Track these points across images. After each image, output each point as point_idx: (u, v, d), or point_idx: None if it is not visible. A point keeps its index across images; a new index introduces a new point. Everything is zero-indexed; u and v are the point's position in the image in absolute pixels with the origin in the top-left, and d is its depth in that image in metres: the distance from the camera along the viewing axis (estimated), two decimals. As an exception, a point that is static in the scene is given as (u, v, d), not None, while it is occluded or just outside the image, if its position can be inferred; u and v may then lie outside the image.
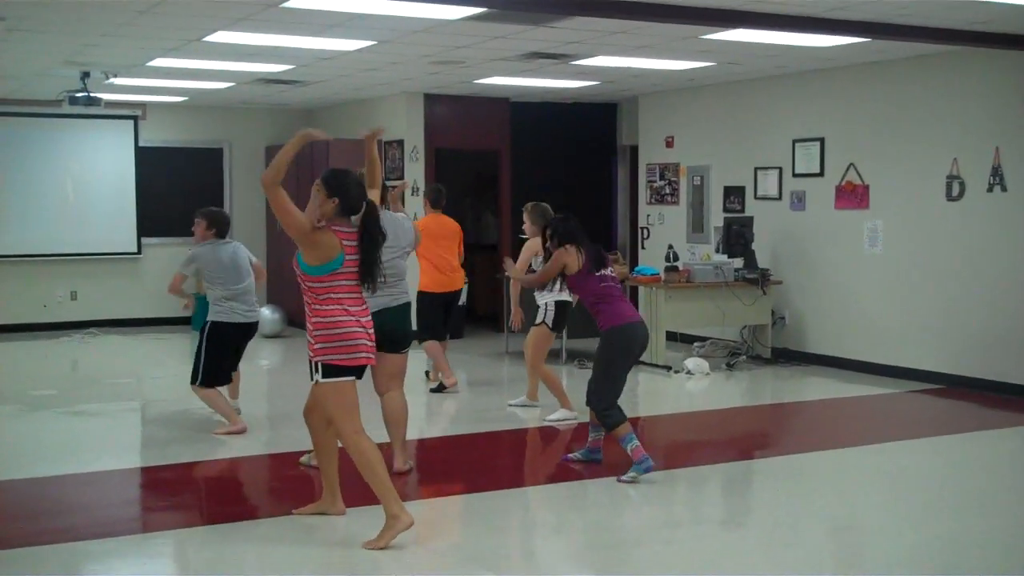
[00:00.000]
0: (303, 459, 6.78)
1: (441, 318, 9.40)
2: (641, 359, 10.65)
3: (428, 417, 8.61)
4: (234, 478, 7.05)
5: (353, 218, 5.28)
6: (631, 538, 5.64)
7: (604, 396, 6.56)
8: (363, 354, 5.25)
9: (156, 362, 11.93)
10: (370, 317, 5.34)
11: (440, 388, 9.31)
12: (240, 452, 7.35)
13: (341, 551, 5.26)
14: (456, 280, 9.51)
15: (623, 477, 6.46)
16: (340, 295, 5.19)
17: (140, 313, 14.07)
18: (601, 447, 6.87)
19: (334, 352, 5.19)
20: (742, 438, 8.15)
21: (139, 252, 14.06)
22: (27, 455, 7.27)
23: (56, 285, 13.72)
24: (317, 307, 5.20)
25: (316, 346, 5.21)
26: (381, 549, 5.13)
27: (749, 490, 6.80)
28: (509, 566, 5.05)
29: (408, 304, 6.66)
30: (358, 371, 5.29)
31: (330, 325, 5.18)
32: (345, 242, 5.19)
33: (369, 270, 5.21)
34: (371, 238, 5.23)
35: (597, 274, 6.65)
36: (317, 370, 5.23)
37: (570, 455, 7.06)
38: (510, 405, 8.77)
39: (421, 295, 9.22)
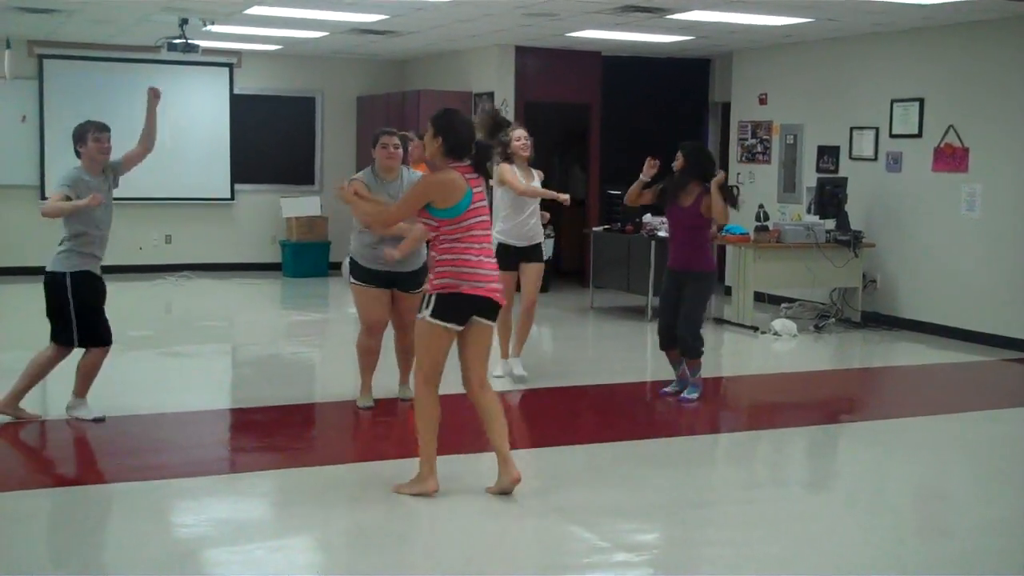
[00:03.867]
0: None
1: None
2: (727, 319, 10.67)
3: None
4: (325, 422, 7.18)
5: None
6: (713, 497, 5.64)
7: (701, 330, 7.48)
8: (492, 284, 5.17)
9: (247, 306, 12.16)
10: (494, 259, 5.29)
11: None
12: (333, 397, 7.47)
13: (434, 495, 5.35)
14: None
15: (668, 389, 7.58)
16: (473, 234, 5.14)
17: (232, 258, 14.33)
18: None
19: (458, 282, 5.09)
20: (828, 402, 8.08)
21: (232, 198, 14.30)
22: (125, 393, 7.47)
23: (151, 229, 14.01)
24: (447, 246, 5.13)
25: (435, 281, 5.15)
26: (403, 493, 5.29)
27: (834, 454, 6.75)
28: (595, 519, 5.09)
29: None
30: (469, 315, 5.16)
31: (459, 263, 5.10)
32: (468, 175, 5.16)
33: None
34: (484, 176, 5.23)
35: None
36: (427, 305, 5.14)
37: (666, 388, 7.67)
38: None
39: None
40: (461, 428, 6.25)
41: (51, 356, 6.46)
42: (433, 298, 5.14)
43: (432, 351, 5.20)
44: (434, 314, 5.14)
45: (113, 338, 6.52)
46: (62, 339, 6.38)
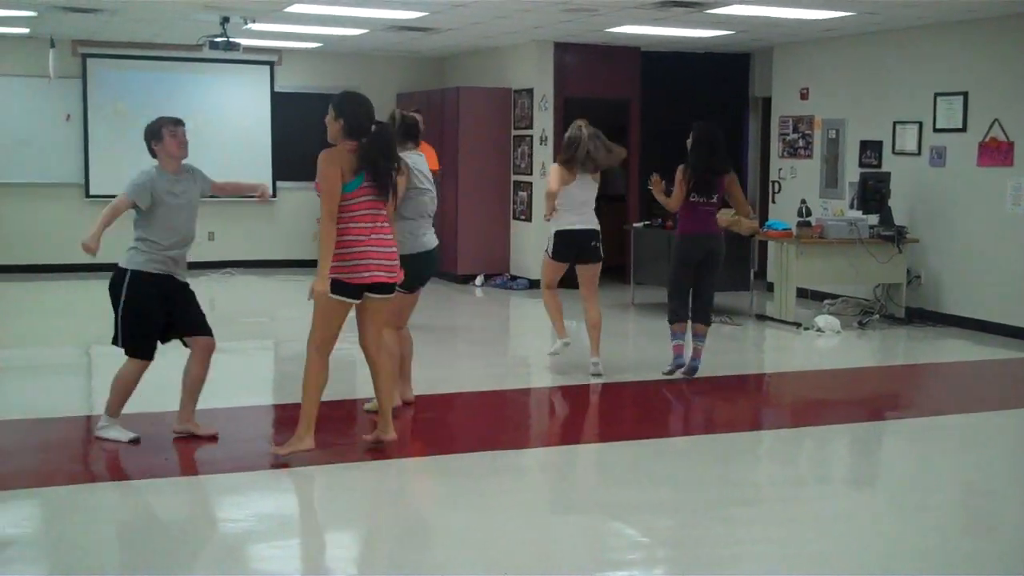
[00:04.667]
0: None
1: None
2: (770, 315, 10.61)
3: (554, 366, 8.64)
4: (367, 418, 7.20)
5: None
6: (757, 494, 5.61)
7: None
8: (378, 272, 5.58)
9: (289, 302, 12.23)
10: (390, 237, 5.66)
11: None
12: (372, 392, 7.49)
13: (472, 485, 5.36)
14: None
15: (671, 368, 7.87)
16: (361, 214, 5.52)
17: (274, 255, 14.42)
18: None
19: (343, 265, 5.52)
20: (872, 398, 8.01)
21: (274, 195, 14.38)
22: (170, 389, 7.54)
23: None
24: (340, 227, 5.52)
25: (333, 263, 5.52)
26: (281, 456, 5.65)
27: (878, 451, 6.70)
28: (638, 516, 5.08)
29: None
30: (361, 294, 5.61)
31: (345, 244, 5.50)
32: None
33: (384, 186, 5.56)
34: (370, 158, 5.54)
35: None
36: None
37: (668, 368, 7.93)
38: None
39: None
40: (503, 425, 6.27)
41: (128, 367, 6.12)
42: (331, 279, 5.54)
43: (329, 322, 5.62)
44: (333, 291, 5.54)
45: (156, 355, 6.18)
46: (114, 340, 6.08)
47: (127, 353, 6.08)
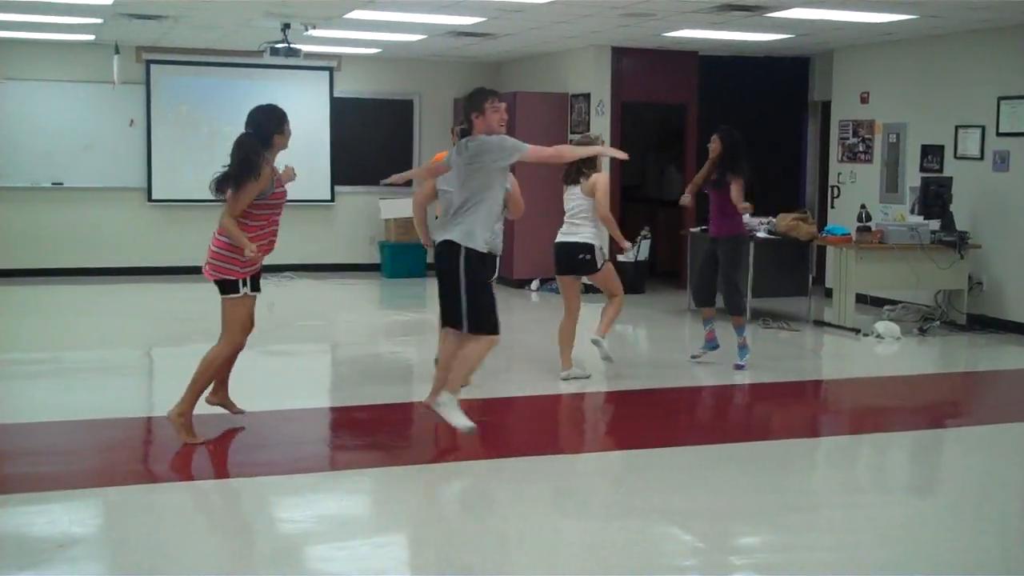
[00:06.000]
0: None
1: None
2: (828, 321, 10.52)
3: (609, 369, 8.63)
4: (425, 420, 7.24)
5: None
6: (816, 501, 5.58)
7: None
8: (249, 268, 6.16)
9: (347, 306, 12.33)
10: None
11: None
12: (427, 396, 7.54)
13: (528, 489, 5.38)
14: None
15: (697, 353, 8.64)
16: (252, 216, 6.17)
17: (332, 259, 14.54)
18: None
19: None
20: (932, 406, 7.93)
21: (332, 200, 14.51)
22: (230, 392, 7.64)
23: (253, 230, 14.25)
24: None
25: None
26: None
27: (939, 459, 6.63)
28: (695, 522, 5.07)
29: None
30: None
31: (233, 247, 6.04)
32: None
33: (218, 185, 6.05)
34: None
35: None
36: (245, 284, 6.17)
37: (695, 355, 8.60)
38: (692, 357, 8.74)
39: None
40: (559, 429, 6.28)
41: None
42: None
43: (241, 317, 6.15)
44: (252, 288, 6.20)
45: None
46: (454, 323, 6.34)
47: (484, 332, 6.17)
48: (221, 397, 6.54)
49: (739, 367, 8.37)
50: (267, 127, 6.12)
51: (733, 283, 8.51)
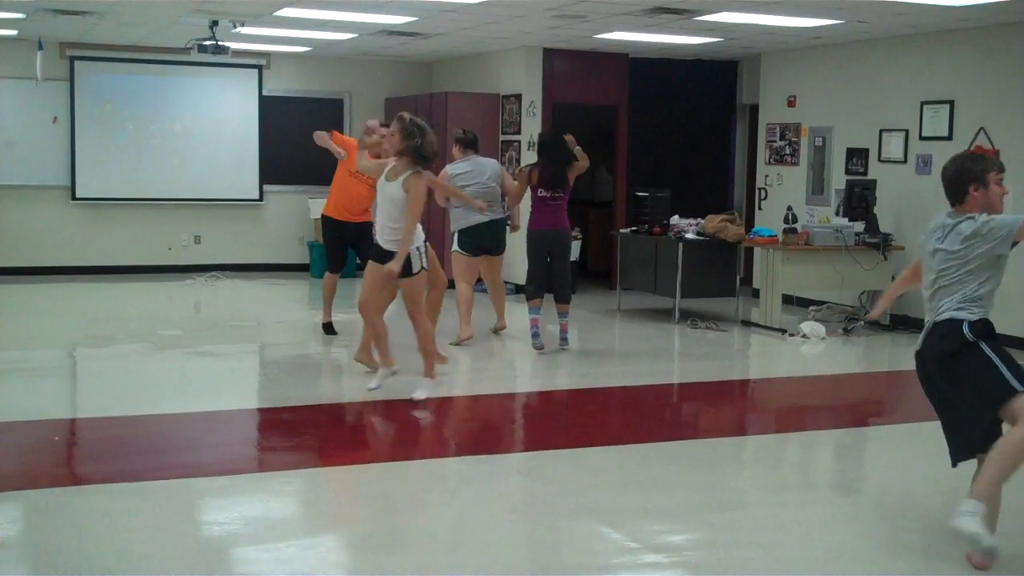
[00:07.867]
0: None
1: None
2: (755, 321, 10.65)
3: (534, 372, 8.65)
4: (353, 421, 7.21)
5: None
6: (743, 499, 5.63)
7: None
8: None
9: (275, 306, 12.22)
10: None
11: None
12: (361, 396, 7.50)
13: (457, 489, 5.36)
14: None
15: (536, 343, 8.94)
16: None
17: (260, 258, 14.41)
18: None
19: None
20: (856, 404, 8.05)
21: (261, 199, 14.37)
22: (154, 392, 7.54)
23: (181, 229, 14.10)
24: None
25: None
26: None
27: (862, 456, 6.73)
28: (624, 520, 5.09)
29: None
30: None
31: None
32: None
33: None
34: None
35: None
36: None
37: (538, 346, 8.88)
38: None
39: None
40: (486, 430, 6.27)
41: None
42: None
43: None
44: None
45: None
46: None
47: None
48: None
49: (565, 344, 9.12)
50: None
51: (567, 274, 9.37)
